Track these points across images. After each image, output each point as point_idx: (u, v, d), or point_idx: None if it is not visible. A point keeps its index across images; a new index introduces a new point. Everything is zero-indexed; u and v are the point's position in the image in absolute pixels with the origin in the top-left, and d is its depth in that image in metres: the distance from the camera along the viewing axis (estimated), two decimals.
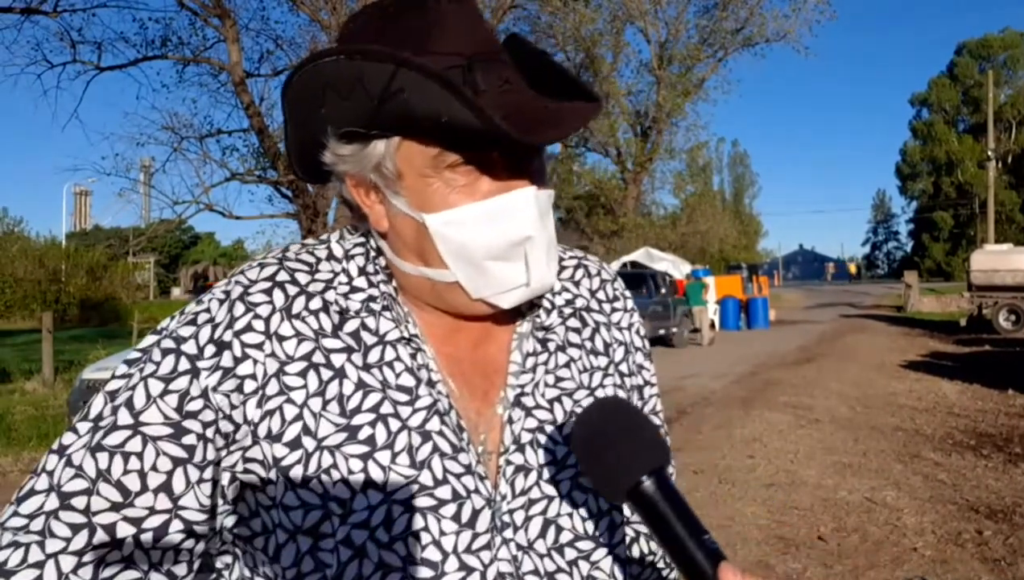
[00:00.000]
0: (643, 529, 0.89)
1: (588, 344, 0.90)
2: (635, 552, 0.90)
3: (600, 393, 0.88)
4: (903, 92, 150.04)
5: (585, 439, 0.75)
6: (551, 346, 0.87)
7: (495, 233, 0.76)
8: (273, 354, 0.76)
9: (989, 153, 36.45)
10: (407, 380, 0.78)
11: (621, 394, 0.91)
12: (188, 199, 17.92)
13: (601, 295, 0.94)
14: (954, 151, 67.23)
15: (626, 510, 0.86)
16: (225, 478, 0.76)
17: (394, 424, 0.76)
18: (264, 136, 17.02)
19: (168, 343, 0.77)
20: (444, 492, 0.75)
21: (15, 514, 0.74)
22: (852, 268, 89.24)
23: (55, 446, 0.76)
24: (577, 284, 0.93)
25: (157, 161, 19.28)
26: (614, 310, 0.95)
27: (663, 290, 19.00)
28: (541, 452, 0.82)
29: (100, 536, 0.72)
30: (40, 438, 8.91)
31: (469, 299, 0.79)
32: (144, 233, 21.32)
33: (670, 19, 29.94)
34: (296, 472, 0.74)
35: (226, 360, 0.75)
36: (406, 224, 0.78)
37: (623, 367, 0.93)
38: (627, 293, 0.98)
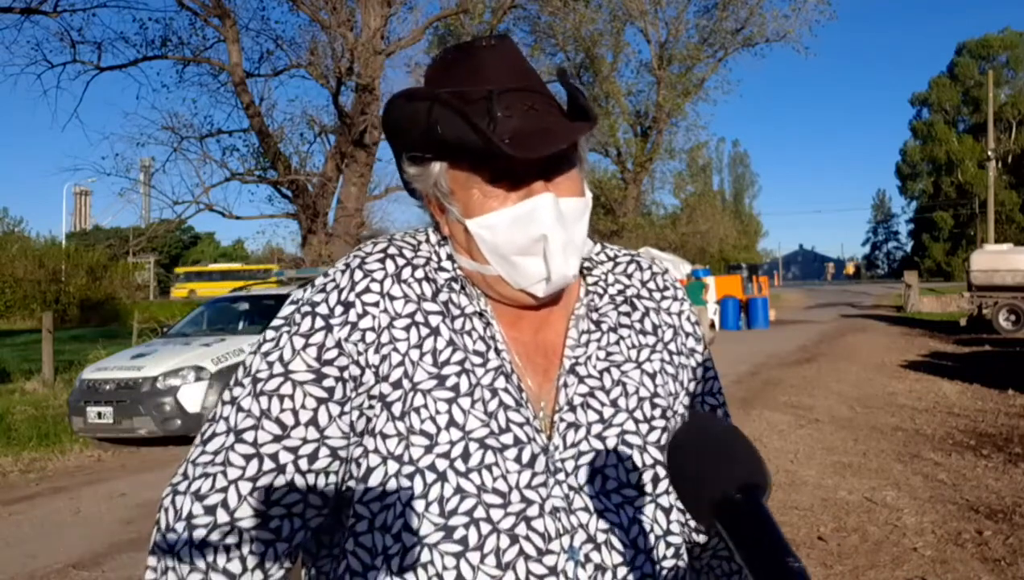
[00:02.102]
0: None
1: (638, 325, 1.03)
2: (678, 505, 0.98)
3: (647, 366, 1.00)
4: (903, 92, 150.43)
5: (678, 452, 0.74)
6: (604, 327, 1.01)
7: (519, 233, 0.91)
8: (386, 310, 0.93)
9: (989, 153, 36.44)
10: (480, 346, 0.94)
11: (668, 370, 1.02)
12: (188, 199, 17.84)
13: (652, 285, 1.07)
14: (954, 151, 67.24)
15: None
16: (355, 414, 0.91)
17: (472, 378, 0.92)
18: (264, 136, 16.97)
19: (305, 308, 0.95)
20: (507, 438, 0.90)
21: (203, 452, 0.91)
22: (849, 268, 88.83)
23: (225, 398, 0.94)
24: (629, 277, 1.07)
25: (157, 161, 19.20)
26: (664, 298, 1.07)
27: None
28: (590, 412, 0.95)
29: (267, 464, 0.89)
30: (40, 438, 8.88)
31: (512, 290, 0.95)
32: (144, 233, 21.18)
33: (670, 19, 29.91)
34: (396, 408, 0.90)
35: (352, 317, 0.93)
36: (458, 229, 0.96)
37: (672, 346, 1.04)
38: (678, 285, 1.10)
